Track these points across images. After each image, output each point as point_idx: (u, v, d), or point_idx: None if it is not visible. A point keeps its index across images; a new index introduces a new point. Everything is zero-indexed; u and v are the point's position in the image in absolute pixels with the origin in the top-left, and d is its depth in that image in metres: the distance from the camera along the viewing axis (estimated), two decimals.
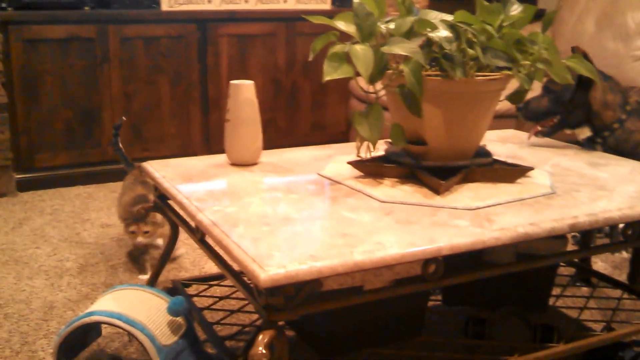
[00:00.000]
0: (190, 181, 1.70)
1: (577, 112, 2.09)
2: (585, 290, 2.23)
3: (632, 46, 3.39)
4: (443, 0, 3.13)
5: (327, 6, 4.00)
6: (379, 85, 1.59)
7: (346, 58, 1.52)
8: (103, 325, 1.90)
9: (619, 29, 3.45)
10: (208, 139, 3.71)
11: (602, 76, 2.09)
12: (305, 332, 1.63)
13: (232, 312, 1.92)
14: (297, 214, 1.47)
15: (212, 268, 2.38)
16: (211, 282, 2.04)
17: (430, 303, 2.00)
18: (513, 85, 1.66)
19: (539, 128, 2.14)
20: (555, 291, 2.09)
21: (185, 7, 3.61)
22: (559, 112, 2.10)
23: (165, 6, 3.56)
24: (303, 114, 3.96)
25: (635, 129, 2.10)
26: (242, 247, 1.28)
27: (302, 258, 1.23)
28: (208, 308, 1.93)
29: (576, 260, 2.26)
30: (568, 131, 2.16)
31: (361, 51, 1.49)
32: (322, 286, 1.27)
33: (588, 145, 2.15)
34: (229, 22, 3.65)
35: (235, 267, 1.48)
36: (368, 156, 1.76)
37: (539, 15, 1.98)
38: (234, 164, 1.85)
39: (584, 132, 2.13)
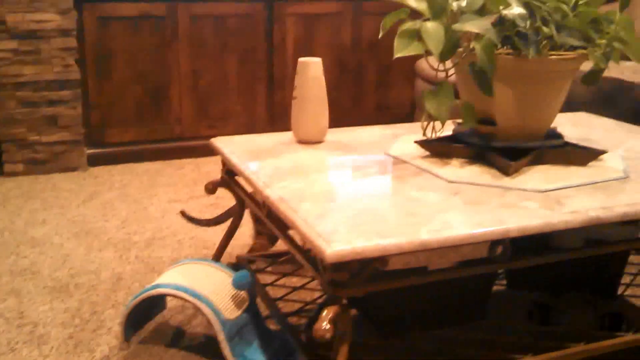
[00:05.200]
0: (257, 157, 1.71)
1: None
2: None
3: None
4: None
5: None
6: (449, 64, 1.57)
7: (417, 35, 1.50)
8: (168, 299, 1.94)
9: None
10: (273, 117, 3.73)
11: None
12: (368, 311, 1.63)
13: (294, 289, 1.93)
14: (363, 191, 1.46)
15: (275, 246, 2.40)
16: (274, 259, 2.06)
17: (495, 287, 1.97)
18: (586, 66, 1.62)
19: None
20: (625, 280, 2.03)
21: None
22: None
23: None
24: (367, 95, 3.93)
25: None
26: (308, 222, 1.28)
27: (368, 235, 1.22)
28: (271, 284, 1.95)
29: None
30: None
31: (432, 28, 1.47)
32: (387, 264, 1.26)
33: None
34: (295, 1, 3.64)
35: (301, 242, 1.49)
36: (434, 136, 1.74)
37: None
38: (300, 142, 1.85)
39: None
